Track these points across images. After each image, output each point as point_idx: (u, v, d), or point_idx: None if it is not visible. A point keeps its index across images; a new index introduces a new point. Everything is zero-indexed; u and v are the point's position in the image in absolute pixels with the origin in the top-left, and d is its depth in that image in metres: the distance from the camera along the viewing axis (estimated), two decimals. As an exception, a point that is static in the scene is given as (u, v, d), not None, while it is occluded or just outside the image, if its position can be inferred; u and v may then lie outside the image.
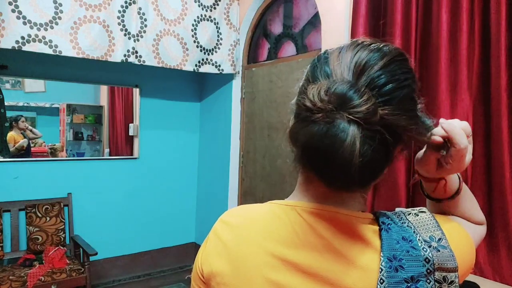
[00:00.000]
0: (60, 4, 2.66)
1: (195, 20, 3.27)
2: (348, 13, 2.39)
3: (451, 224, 0.58)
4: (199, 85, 4.04)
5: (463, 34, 1.83)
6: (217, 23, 3.40)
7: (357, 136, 0.44)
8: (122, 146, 3.94)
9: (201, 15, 3.30)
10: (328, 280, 0.49)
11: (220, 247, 0.56)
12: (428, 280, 0.49)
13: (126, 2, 2.91)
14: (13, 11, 2.49)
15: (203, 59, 3.34)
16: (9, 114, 3.39)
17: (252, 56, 3.55)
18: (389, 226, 0.52)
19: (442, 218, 0.59)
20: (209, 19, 3.35)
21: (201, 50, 3.32)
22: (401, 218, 0.55)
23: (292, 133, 0.49)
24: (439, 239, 0.52)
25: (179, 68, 3.22)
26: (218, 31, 3.41)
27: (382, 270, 0.48)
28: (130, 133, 3.73)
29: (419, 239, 0.51)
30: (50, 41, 2.62)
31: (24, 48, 2.53)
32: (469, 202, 0.66)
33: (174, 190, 3.91)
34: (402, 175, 2.03)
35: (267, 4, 3.29)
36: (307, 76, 0.54)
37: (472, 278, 1.72)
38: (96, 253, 2.86)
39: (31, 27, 2.55)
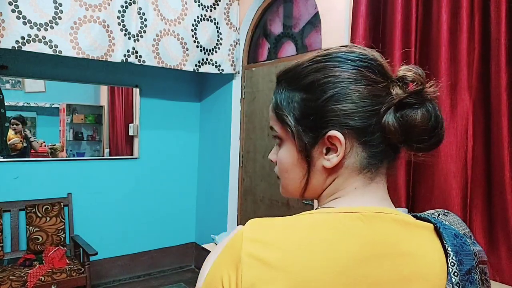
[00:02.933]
0: (60, 4, 2.66)
1: (195, 20, 3.27)
2: (348, 13, 2.39)
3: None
4: (199, 85, 4.04)
5: (463, 34, 1.83)
6: (217, 23, 3.40)
7: None
8: (122, 146, 3.94)
9: (201, 15, 3.30)
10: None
11: (268, 274, 0.45)
12: (476, 272, 0.53)
13: (126, 2, 2.91)
14: (13, 11, 2.49)
15: (203, 59, 3.35)
16: (9, 114, 3.39)
17: (252, 56, 3.55)
18: (441, 224, 0.54)
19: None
20: (209, 19, 3.35)
21: (201, 50, 3.32)
22: (435, 219, 0.57)
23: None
24: (470, 236, 0.58)
25: (179, 68, 3.22)
26: (218, 31, 3.41)
27: (454, 264, 0.51)
28: (130, 133, 3.73)
29: (464, 236, 0.55)
30: (50, 41, 2.62)
31: (24, 48, 2.53)
32: None
33: (174, 190, 3.91)
34: (402, 175, 2.03)
35: (267, 4, 3.29)
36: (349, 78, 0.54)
37: (472, 278, 1.72)
38: (96, 253, 2.87)
39: (31, 27, 2.55)
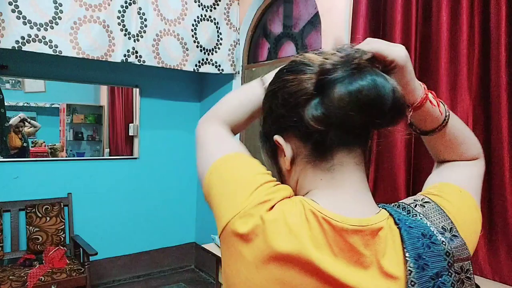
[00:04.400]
0: (60, 4, 2.66)
1: (195, 20, 3.27)
2: (348, 13, 2.39)
3: (452, 201, 0.58)
4: (199, 85, 4.04)
5: (463, 34, 1.83)
6: (217, 23, 3.40)
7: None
8: (122, 146, 3.94)
9: (201, 15, 3.30)
10: None
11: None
12: (449, 273, 0.49)
13: (126, 2, 2.91)
14: (13, 11, 2.49)
15: (203, 59, 3.35)
16: (9, 114, 3.40)
17: (252, 56, 3.55)
18: (406, 223, 0.51)
19: (441, 189, 0.60)
20: (209, 19, 3.35)
21: (201, 50, 3.32)
22: (410, 211, 0.54)
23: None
24: (450, 228, 0.52)
25: (179, 68, 3.22)
26: (218, 31, 3.41)
27: (411, 272, 0.47)
28: (130, 133, 3.73)
29: (436, 233, 0.51)
30: (50, 41, 2.62)
31: (24, 48, 2.53)
32: (461, 131, 0.69)
33: (174, 190, 3.91)
34: (402, 175, 2.03)
35: (267, 4, 3.29)
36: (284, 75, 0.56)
37: (472, 278, 1.72)
38: (96, 253, 2.86)
39: (31, 27, 2.55)
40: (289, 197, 0.54)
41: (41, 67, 3.16)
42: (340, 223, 0.49)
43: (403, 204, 0.56)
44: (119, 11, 2.89)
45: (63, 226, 3.16)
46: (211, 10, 3.36)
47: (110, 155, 3.95)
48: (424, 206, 0.55)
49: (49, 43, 2.62)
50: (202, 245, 2.49)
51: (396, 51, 0.56)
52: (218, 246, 2.35)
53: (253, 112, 0.70)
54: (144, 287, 3.62)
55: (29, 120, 3.60)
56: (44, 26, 2.60)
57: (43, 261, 2.89)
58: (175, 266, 3.98)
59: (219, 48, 3.42)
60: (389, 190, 2.06)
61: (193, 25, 3.26)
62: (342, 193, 0.54)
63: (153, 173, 3.77)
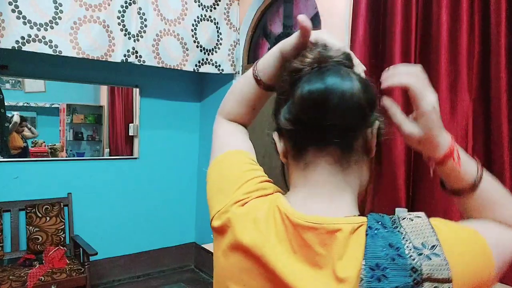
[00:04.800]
0: (60, 4, 2.66)
1: (195, 20, 3.27)
2: (348, 13, 2.39)
3: (453, 229, 0.52)
4: (199, 85, 4.04)
5: (463, 34, 1.83)
6: (217, 23, 3.40)
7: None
8: (122, 146, 3.94)
9: (201, 15, 3.30)
10: None
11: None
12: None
13: (126, 2, 2.91)
14: (13, 11, 2.49)
15: (203, 59, 3.35)
16: (9, 114, 3.40)
17: (252, 56, 3.55)
18: (376, 231, 0.47)
19: (447, 223, 0.52)
20: (209, 19, 3.35)
21: (201, 50, 3.32)
22: (395, 222, 0.50)
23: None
24: (433, 246, 0.46)
25: (179, 68, 3.22)
26: (218, 31, 3.41)
27: (362, 279, 0.45)
28: (130, 133, 3.73)
29: (407, 246, 0.46)
30: (50, 41, 2.62)
31: (24, 48, 2.53)
32: (497, 197, 0.60)
33: (174, 190, 3.91)
34: (402, 175, 2.03)
35: (267, 4, 3.29)
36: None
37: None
38: (96, 253, 2.86)
39: (31, 27, 2.55)
40: (267, 195, 0.59)
41: (41, 67, 3.16)
42: (297, 219, 0.51)
43: (395, 216, 0.52)
44: (119, 11, 2.89)
45: (63, 226, 3.16)
46: (211, 10, 3.36)
47: (110, 155, 3.95)
48: (413, 220, 0.50)
49: (49, 43, 2.62)
50: (202, 245, 2.49)
51: (427, 99, 0.54)
52: (218, 246, 2.35)
53: (252, 102, 0.71)
54: (144, 287, 3.61)
55: (29, 126, 3.60)
56: (44, 26, 2.60)
57: (43, 261, 2.88)
58: (175, 266, 3.98)
59: (219, 48, 3.42)
60: (389, 190, 2.06)
61: (193, 25, 3.26)
62: (311, 192, 0.55)
63: (153, 173, 3.77)
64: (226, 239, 0.57)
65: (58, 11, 2.65)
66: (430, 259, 0.45)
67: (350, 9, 2.35)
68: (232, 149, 0.69)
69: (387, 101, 0.57)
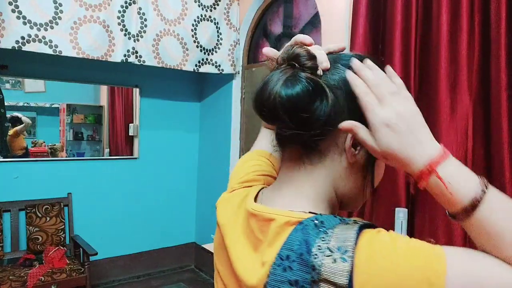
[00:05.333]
0: (60, 4, 2.66)
1: (195, 20, 3.27)
2: (348, 13, 2.39)
3: (389, 244, 0.45)
4: (199, 85, 4.04)
5: (463, 34, 1.83)
6: (217, 23, 3.40)
7: None
8: (122, 146, 3.94)
9: (201, 15, 3.30)
10: (239, 276, 0.55)
11: None
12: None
13: (126, 2, 2.91)
14: (13, 11, 2.49)
15: (203, 59, 3.35)
16: (9, 114, 3.40)
17: (252, 56, 3.55)
18: (305, 227, 0.48)
19: (391, 237, 0.46)
20: (209, 19, 3.35)
21: (201, 50, 3.32)
22: (330, 223, 0.49)
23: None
24: (345, 251, 0.45)
25: (179, 68, 3.22)
26: (218, 31, 3.41)
27: (271, 266, 0.49)
28: (130, 133, 3.73)
29: (319, 246, 0.46)
30: (50, 41, 2.62)
31: (24, 48, 2.53)
32: (505, 229, 0.45)
33: (174, 190, 3.91)
34: (402, 175, 2.03)
35: (267, 4, 3.29)
36: None
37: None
38: (96, 253, 2.87)
39: (31, 27, 2.55)
40: (253, 186, 0.66)
41: (41, 67, 3.16)
42: (248, 207, 0.58)
43: (348, 220, 0.51)
44: (119, 11, 2.89)
45: (63, 226, 3.16)
46: (211, 10, 3.36)
47: (110, 155, 3.95)
48: (346, 224, 0.49)
49: (49, 43, 2.62)
50: (202, 245, 2.49)
51: (376, 114, 0.50)
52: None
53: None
54: (144, 287, 3.61)
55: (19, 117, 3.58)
56: (44, 26, 2.60)
57: (43, 261, 2.89)
58: (175, 266, 3.98)
59: (219, 48, 3.42)
60: (389, 190, 2.06)
61: (193, 25, 3.26)
62: (276, 186, 0.60)
63: (153, 173, 3.77)
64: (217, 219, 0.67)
65: (58, 11, 2.65)
66: (335, 262, 0.44)
67: (350, 9, 2.35)
68: (257, 149, 0.81)
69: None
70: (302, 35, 0.59)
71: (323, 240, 0.46)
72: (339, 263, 0.44)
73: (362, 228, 0.48)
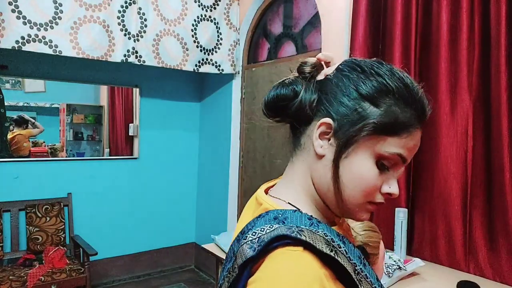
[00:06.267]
0: (60, 4, 2.66)
1: (195, 20, 3.27)
2: (348, 13, 2.39)
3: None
4: (199, 85, 4.04)
5: (463, 34, 1.83)
6: (217, 23, 3.40)
7: None
8: (122, 146, 3.94)
9: (201, 15, 3.30)
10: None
11: None
12: (233, 259, 0.55)
13: (126, 2, 2.91)
14: (13, 11, 2.49)
15: (203, 59, 3.34)
16: (9, 114, 3.39)
17: (252, 56, 3.55)
18: (265, 215, 0.56)
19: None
20: (209, 19, 3.35)
21: (201, 50, 3.32)
22: (293, 222, 0.54)
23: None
24: (260, 244, 0.51)
25: (179, 68, 3.22)
26: (218, 31, 3.41)
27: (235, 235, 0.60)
28: (130, 133, 3.73)
29: (254, 232, 0.53)
30: (50, 41, 2.62)
31: (24, 48, 2.53)
32: None
33: (174, 190, 3.91)
34: (402, 175, 2.03)
35: (267, 4, 3.29)
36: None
37: (472, 278, 1.72)
38: (96, 253, 2.86)
39: (31, 27, 2.55)
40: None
41: (41, 67, 3.16)
42: (256, 192, 0.65)
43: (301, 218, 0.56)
44: (119, 11, 2.89)
45: (63, 226, 3.16)
46: (211, 10, 3.36)
47: (110, 155, 3.94)
48: (301, 231, 0.52)
49: (49, 43, 2.62)
50: (202, 245, 2.49)
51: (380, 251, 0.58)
52: (218, 246, 2.35)
53: None
54: (144, 287, 3.61)
55: (32, 121, 3.60)
56: (44, 26, 2.60)
57: (43, 261, 2.88)
58: (175, 266, 3.98)
59: (219, 48, 3.42)
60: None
61: (193, 25, 3.26)
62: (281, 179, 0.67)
63: (153, 173, 3.77)
64: None
65: (58, 11, 2.65)
66: (250, 248, 0.52)
67: (350, 9, 2.35)
68: None
69: None
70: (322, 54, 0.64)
71: (262, 230, 0.53)
72: (250, 250, 0.51)
73: (294, 242, 0.50)
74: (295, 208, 0.57)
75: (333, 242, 0.52)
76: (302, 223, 0.53)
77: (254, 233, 0.53)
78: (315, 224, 0.53)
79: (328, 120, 0.56)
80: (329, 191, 0.57)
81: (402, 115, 0.53)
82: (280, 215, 0.54)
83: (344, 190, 0.56)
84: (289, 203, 0.58)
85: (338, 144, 0.55)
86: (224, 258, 0.61)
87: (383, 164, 0.55)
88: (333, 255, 0.50)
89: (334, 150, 0.56)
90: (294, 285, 0.47)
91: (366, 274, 0.54)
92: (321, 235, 0.52)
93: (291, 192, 0.61)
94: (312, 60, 0.62)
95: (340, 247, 0.52)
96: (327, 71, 0.60)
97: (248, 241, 0.52)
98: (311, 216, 0.55)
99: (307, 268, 0.49)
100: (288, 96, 0.60)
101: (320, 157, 0.57)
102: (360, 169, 0.55)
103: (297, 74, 0.62)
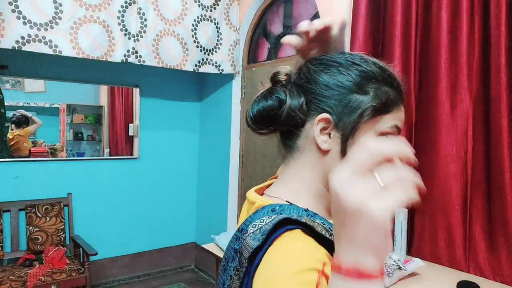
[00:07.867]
0: (60, 4, 2.66)
1: (195, 20, 3.27)
2: (348, 13, 2.39)
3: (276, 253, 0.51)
4: (199, 85, 4.04)
5: (463, 34, 1.83)
6: (217, 23, 3.40)
7: None
8: (122, 146, 3.94)
9: (201, 15, 3.30)
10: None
11: None
12: (237, 257, 0.56)
13: (126, 2, 2.91)
14: (13, 11, 2.49)
15: (203, 59, 3.34)
16: (9, 114, 3.39)
17: (252, 56, 3.55)
18: (262, 209, 0.57)
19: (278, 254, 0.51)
20: (209, 19, 3.35)
21: (201, 50, 3.32)
22: (289, 212, 0.55)
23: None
24: (263, 234, 0.53)
25: (179, 68, 3.22)
26: (218, 31, 3.41)
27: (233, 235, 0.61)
28: (130, 133, 3.73)
29: (254, 225, 0.54)
30: (50, 41, 2.62)
31: (24, 48, 2.53)
32: None
33: (174, 190, 3.91)
34: (402, 175, 2.03)
35: (267, 4, 3.29)
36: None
37: (472, 278, 1.72)
38: (96, 253, 2.86)
39: (31, 27, 2.55)
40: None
41: (41, 67, 3.16)
42: (247, 194, 0.67)
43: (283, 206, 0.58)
44: (119, 11, 2.89)
45: (63, 226, 3.16)
46: (211, 10, 3.36)
47: (110, 155, 3.95)
48: (300, 217, 0.53)
49: (49, 43, 2.62)
50: (202, 245, 2.49)
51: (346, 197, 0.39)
52: (218, 246, 2.35)
53: None
54: (144, 287, 3.61)
55: (30, 115, 3.60)
56: (44, 26, 2.60)
57: (43, 261, 2.88)
58: (175, 266, 3.98)
59: (219, 48, 3.42)
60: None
61: (193, 25, 3.26)
62: (276, 180, 0.68)
63: (153, 173, 3.77)
64: None
65: (58, 11, 2.65)
66: (253, 240, 0.52)
67: (350, 9, 2.35)
68: None
69: None
70: (287, 36, 0.67)
71: (261, 221, 0.54)
72: (254, 241, 0.52)
73: (295, 225, 0.52)
74: (291, 203, 0.59)
75: (331, 230, 0.54)
76: (299, 213, 0.56)
77: (254, 226, 0.54)
78: (312, 215, 0.56)
79: (325, 115, 0.58)
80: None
81: (389, 94, 0.58)
82: (277, 208, 0.57)
83: None
84: (287, 201, 0.60)
85: (342, 134, 0.58)
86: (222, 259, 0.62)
87: None
88: (332, 239, 0.51)
89: (338, 141, 0.58)
90: (301, 254, 0.50)
91: None
92: (319, 223, 0.55)
93: (292, 193, 0.62)
94: (284, 69, 0.66)
95: None
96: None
97: (250, 233, 0.53)
98: (307, 209, 0.58)
99: (310, 240, 0.52)
100: (274, 106, 0.61)
101: (326, 152, 0.59)
102: None
103: (269, 85, 0.65)
